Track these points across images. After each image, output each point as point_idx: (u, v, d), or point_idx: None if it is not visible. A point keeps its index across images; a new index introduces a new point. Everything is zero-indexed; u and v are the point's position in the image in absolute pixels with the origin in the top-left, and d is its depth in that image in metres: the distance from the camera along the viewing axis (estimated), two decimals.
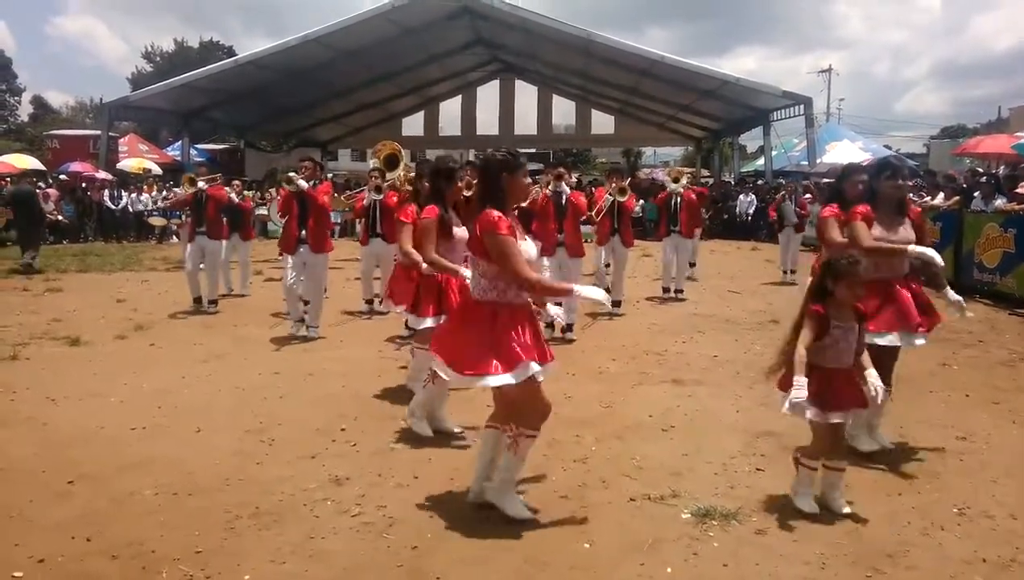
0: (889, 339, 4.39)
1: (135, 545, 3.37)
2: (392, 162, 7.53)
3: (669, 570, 3.20)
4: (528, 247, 3.63)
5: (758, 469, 4.28)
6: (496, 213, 3.52)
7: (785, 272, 12.52)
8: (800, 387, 3.57)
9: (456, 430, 4.85)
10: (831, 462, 3.76)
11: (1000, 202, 11.59)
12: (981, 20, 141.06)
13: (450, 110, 32.45)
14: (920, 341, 4.49)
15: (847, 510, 3.69)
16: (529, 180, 3.65)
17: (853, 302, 3.74)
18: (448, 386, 4.57)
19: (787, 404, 3.64)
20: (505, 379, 3.46)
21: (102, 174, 21.95)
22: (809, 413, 3.67)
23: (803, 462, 3.78)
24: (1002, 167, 16.88)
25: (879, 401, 3.81)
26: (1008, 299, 10.01)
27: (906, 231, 4.50)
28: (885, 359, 4.42)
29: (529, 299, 3.66)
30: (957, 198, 12.96)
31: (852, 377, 3.76)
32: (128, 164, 24.54)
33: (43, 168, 23.32)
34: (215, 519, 3.63)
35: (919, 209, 4.67)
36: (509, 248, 3.46)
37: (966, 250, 11.08)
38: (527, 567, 3.23)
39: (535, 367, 3.50)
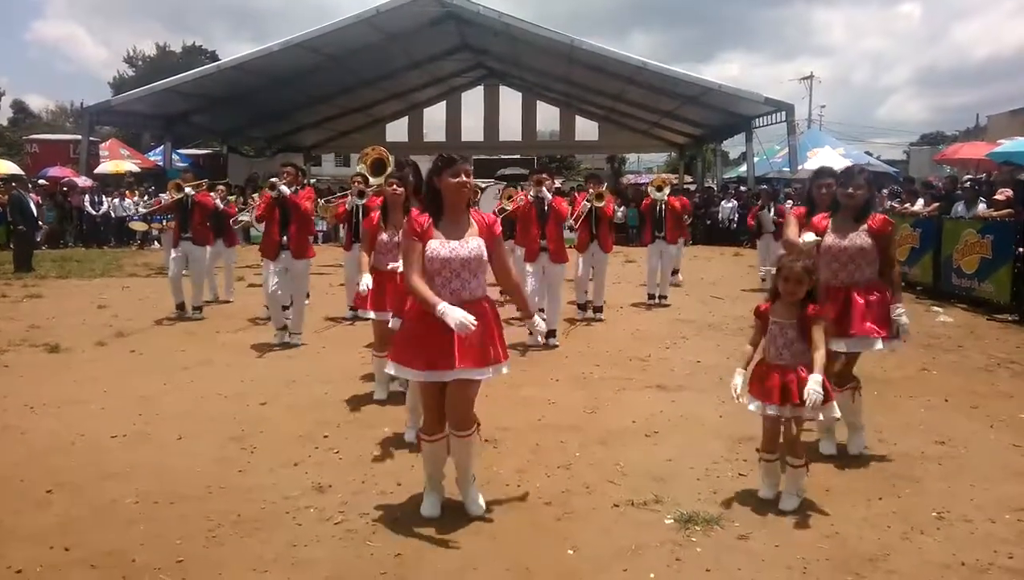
0: (836, 346, 4.40)
1: (115, 554, 3.34)
2: (379, 167, 7.52)
3: (652, 576, 3.21)
4: (440, 248, 3.63)
5: (741, 474, 4.31)
6: (416, 212, 3.76)
7: (764, 279, 12.56)
8: (737, 375, 3.90)
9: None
10: (764, 452, 3.97)
11: (982, 208, 11.75)
12: (960, 29, 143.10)
13: (435, 116, 32.47)
14: (878, 345, 4.48)
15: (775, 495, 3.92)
16: (462, 179, 3.69)
17: (789, 298, 3.87)
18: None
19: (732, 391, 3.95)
20: (400, 372, 3.79)
21: (83, 179, 21.76)
22: (752, 406, 3.91)
23: (763, 456, 4.00)
24: (983, 174, 17.09)
25: (810, 408, 3.75)
26: (986, 305, 10.13)
27: (859, 238, 4.48)
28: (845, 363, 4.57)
29: (477, 296, 3.68)
30: (936, 205, 13.11)
31: (789, 374, 3.83)
32: (106, 167, 24.40)
33: (22, 173, 23.10)
34: (196, 527, 3.60)
35: (883, 217, 4.62)
36: (404, 251, 3.72)
37: (945, 256, 11.21)
38: (511, 574, 3.23)
39: (401, 370, 3.74)
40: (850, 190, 4.50)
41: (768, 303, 3.97)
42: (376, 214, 5.65)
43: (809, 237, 4.46)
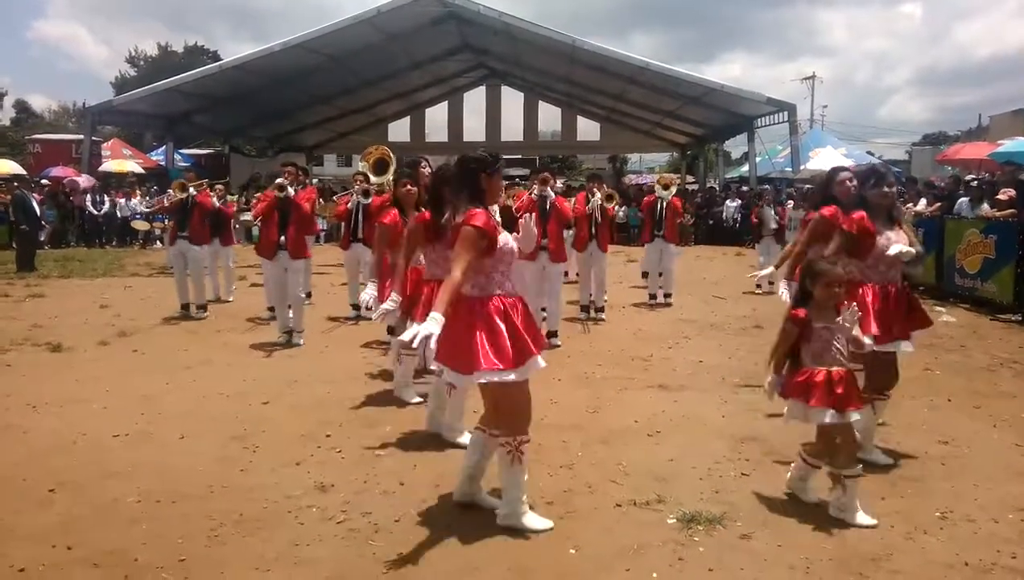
0: (889, 346, 4.44)
1: (117, 553, 3.34)
2: (381, 166, 7.52)
3: (655, 575, 3.20)
4: (509, 240, 3.64)
5: (743, 474, 4.30)
6: (480, 210, 3.53)
7: (771, 283, 12.50)
8: (773, 382, 3.80)
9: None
10: (820, 461, 3.86)
11: (985, 207, 11.73)
12: (962, 28, 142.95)
13: (437, 116, 32.51)
14: (908, 348, 4.51)
15: (817, 499, 3.87)
16: (504, 182, 3.67)
17: (832, 302, 3.79)
18: (457, 395, 4.66)
19: (778, 400, 3.82)
20: (504, 375, 3.42)
21: (84, 178, 21.78)
22: (827, 417, 3.71)
23: (809, 461, 3.87)
24: (985, 174, 17.08)
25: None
26: (989, 304, 10.11)
27: (898, 237, 4.50)
28: (886, 364, 4.51)
29: (513, 290, 3.69)
30: (938, 204, 13.09)
31: (854, 376, 3.83)
32: (110, 166, 24.47)
33: (24, 172, 23.13)
34: (199, 527, 3.60)
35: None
36: (465, 247, 3.45)
37: (948, 256, 11.19)
38: (513, 573, 3.22)
39: (540, 362, 3.56)
40: (885, 189, 4.49)
41: (803, 310, 3.80)
42: (395, 212, 5.63)
43: (900, 248, 4.43)
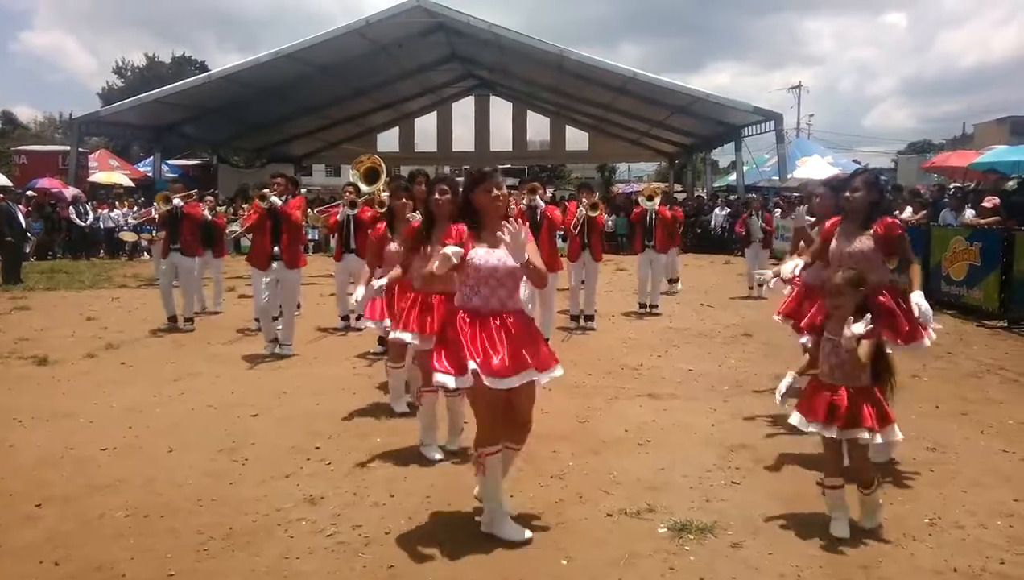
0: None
1: (105, 569, 3.31)
2: (372, 176, 7.51)
3: None
4: (488, 257, 3.62)
5: (733, 482, 4.31)
6: (458, 227, 3.70)
7: (751, 287, 12.58)
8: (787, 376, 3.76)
9: (438, 457, 4.74)
10: (825, 478, 3.72)
11: (969, 214, 11.84)
12: (947, 38, 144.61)
13: (426, 126, 32.65)
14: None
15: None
16: (498, 192, 3.70)
17: (834, 312, 3.77)
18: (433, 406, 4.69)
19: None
20: (447, 380, 3.50)
21: (71, 191, 21.66)
22: (793, 420, 3.73)
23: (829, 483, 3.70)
24: (970, 183, 17.24)
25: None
26: (975, 311, 10.18)
27: (861, 243, 4.45)
28: None
29: (519, 306, 3.74)
30: (924, 212, 13.22)
31: (839, 392, 3.74)
32: (98, 177, 24.39)
33: (10, 184, 22.97)
34: (187, 541, 3.57)
35: (891, 221, 4.61)
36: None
37: (934, 263, 11.26)
38: None
39: (455, 381, 3.48)
40: (847, 194, 4.54)
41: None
42: (383, 225, 5.65)
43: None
